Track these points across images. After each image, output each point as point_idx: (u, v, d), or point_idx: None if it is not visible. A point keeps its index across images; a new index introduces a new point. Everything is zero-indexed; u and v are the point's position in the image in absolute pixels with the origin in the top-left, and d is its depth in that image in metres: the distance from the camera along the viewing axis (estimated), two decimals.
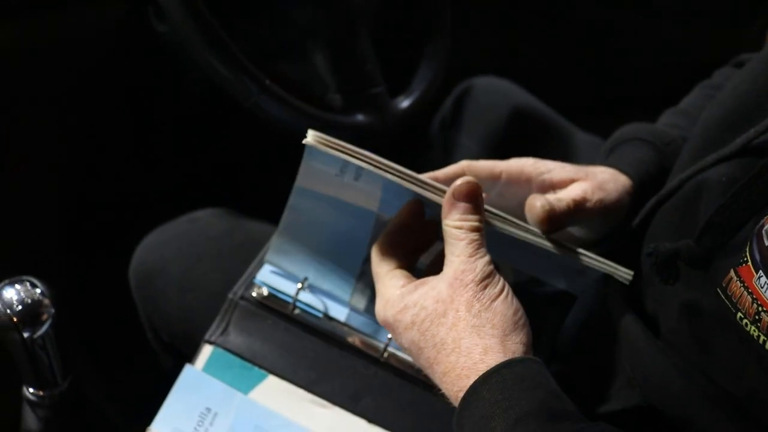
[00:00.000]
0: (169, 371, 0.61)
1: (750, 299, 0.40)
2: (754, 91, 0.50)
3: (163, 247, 0.67)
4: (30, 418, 0.61)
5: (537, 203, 0.50)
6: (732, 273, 0.41)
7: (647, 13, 1.13)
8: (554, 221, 0.50)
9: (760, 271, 0.39)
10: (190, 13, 0.63)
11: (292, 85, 0.70)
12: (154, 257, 0.67)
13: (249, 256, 0.60)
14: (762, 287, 0.39)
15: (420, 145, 1.01)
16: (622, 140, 0.62)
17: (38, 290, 0.57)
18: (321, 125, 0.70)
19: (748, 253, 0.41)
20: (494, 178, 0.54)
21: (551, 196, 0.52)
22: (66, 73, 0.80)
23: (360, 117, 0.74)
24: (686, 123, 0.62)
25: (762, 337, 0.39)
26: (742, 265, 0.41)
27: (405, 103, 0.78)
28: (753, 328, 0.40)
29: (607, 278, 0.51)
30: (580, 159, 0.84)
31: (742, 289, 0.41)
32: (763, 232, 0.40)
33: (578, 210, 0.52)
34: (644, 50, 1.18)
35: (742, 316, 0.41)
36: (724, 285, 0.42)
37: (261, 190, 0.91)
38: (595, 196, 0.53)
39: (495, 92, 0.91)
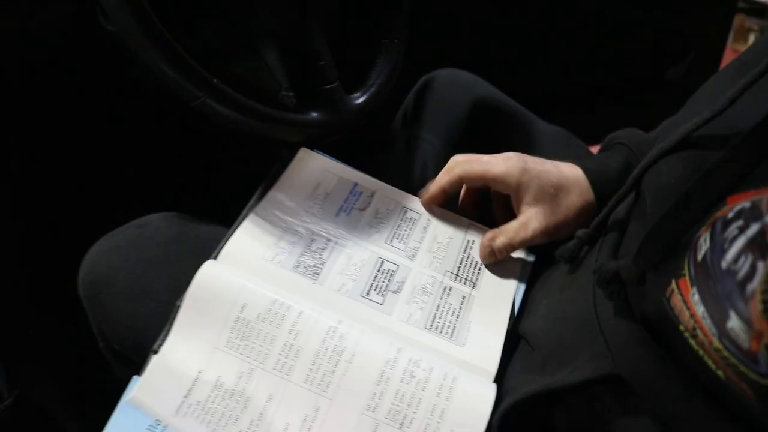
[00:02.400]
0: (122, 379, 0.59)
1: (688, 314, 0.39)
2: (717, 90, 0.48)
3: (111, 255, 0.65)
4: None
5: (484, 244, 0.66)
6: (674, 284, 0.40)
7: (612, 2, 1.12)
8: (495, 259, 0.65)
9: (695, 288, 0.38)
10: (131, 12, 0.61)
11: (242, 84, 0.68)
12: (101, 266, 0.64)
13: (198, 261, 0.58)
14: (696, 304, 0.38)
15: (383, 140, 1.00)
16: (606, 145, 0.69)
17: None
18: (274, 123, 0.68)
19: (686, 266, 0.39)
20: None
21: (501, 241, 0.65)
22: (12, 74, 0.77)
23: (314, 114, 0.72)
24: None
25: (701, 352, 0.38)
26: (681, 278, 0.40)
27: (361, 98, 0.76)
28: (693, 342, 0.39)
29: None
30: (543, 150, 0.83)
31: (682, 303, 0.39)
32: (698, 244, 0.39)
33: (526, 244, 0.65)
34: (610, 39, 1.17)
35: (684, 329, 0.40)
36: (667, 296, 0.41)
37: (211, 192, 0.89)
38: (549, 234, 0.63)
39: (456, 84, 0.89)
